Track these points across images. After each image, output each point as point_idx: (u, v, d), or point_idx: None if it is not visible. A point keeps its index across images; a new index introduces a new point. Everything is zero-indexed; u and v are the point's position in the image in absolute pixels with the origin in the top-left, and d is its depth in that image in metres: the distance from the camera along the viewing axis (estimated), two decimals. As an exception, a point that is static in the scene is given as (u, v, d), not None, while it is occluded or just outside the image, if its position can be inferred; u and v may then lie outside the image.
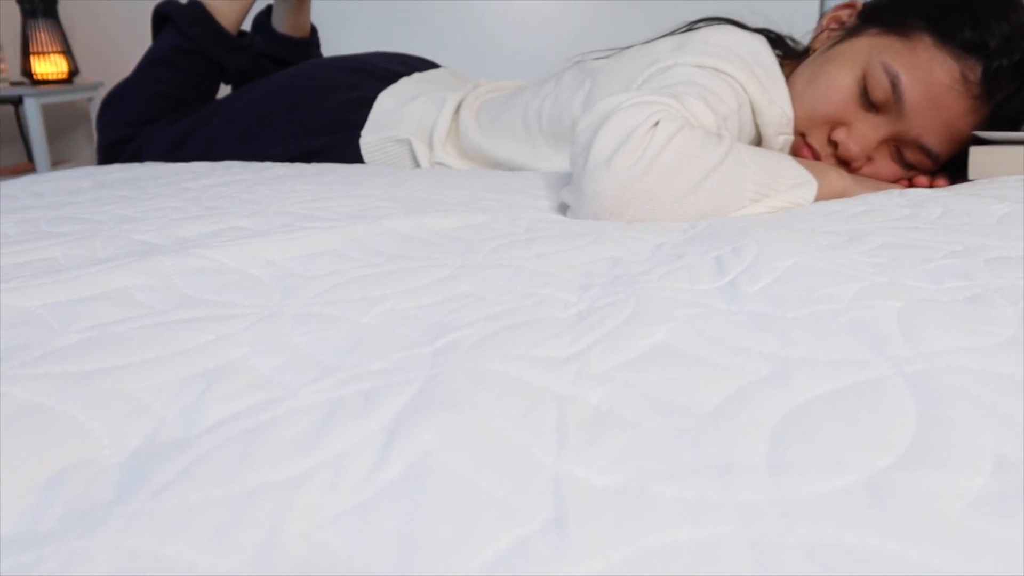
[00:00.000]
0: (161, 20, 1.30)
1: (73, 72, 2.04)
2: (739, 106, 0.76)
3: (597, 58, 0.98)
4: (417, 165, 1.06)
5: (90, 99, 2.11)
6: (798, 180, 0.65)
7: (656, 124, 0.60)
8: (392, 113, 1.09)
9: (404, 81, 1.16)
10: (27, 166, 2.04)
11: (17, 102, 2.12)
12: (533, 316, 0.34)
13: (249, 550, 0.19)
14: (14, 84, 2.06)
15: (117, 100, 1.26)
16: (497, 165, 1.01)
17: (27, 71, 2.01)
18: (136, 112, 1.24)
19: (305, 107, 1.15)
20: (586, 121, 0.67)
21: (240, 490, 0.21)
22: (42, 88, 1.94)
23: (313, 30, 1.48)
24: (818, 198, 0.68)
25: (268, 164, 1.00)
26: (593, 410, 0.25)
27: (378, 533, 0.19)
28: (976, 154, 0.74)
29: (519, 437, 0.23)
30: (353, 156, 1.10)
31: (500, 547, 0.19)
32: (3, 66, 1.95)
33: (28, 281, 0.36)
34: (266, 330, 0.32)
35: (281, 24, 1.44)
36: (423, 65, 1.26)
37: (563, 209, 0.65)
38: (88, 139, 2.27)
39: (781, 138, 0.83)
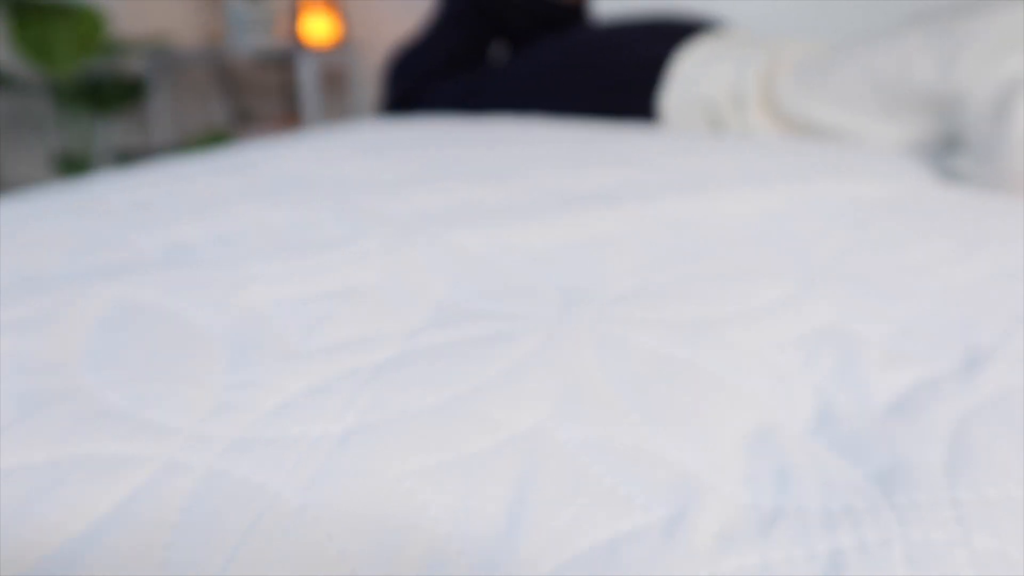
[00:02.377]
0: None
1: (343, 35, 2.17)
2: None
3: (942, 15, 0.89)
4: (721, 128, 1.03)
5: (351, 59, 2.24)
6: None
7: None
8: (693, 71, 1.06)
9: (700, 41, 1.12)
10: (291, 121, 2.20)
11: (287, 61, 2.30)
12: None
13: None
14: (288, 42, 2.22)
15: (410, 56, 1.32)
16: (819, 131, 0.95)
17: (297, 33, 2.16)
18: (425, 68, 1.30)
19: (599, 67, 1.14)
20: (985, 90, 0.62)
21: None
22: (309, 48, 2.08)
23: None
24: None
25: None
26: None
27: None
28: None
29: None
30: (649, 115, 1.09)
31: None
32: (276, 26, 2.10)
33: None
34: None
35: None
36: (714, 23, 1.22)
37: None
38: (350, 96, 2.41)
39: None
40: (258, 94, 2.48)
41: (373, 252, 0.35)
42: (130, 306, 0.29)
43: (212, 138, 1.75)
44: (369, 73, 2.38)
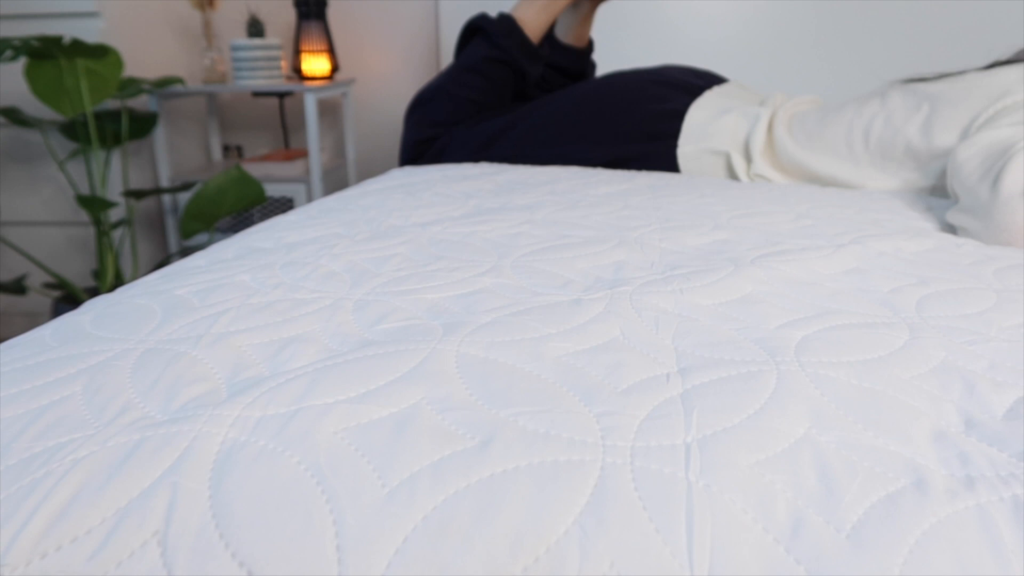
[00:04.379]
0: (470, 32, 1.48)
1: (334, 70, 2.28)
2: None
3: (925, 79, 1.07)
4: (733, 176, 1.18)
5: (344, 94, 2.34)
6: None
7: None
8: (705, 125, 1.22)
9: (708, 95, 1.29)
10: (294, 152, 2.30)
11: (286, 95, 2.39)
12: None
13: None
14: (288, 79, 2.32)
15: (428, 101, 1.44)
16: (815, 180, 1.12)
17: (296, 68, 2.27)
18: (444, 114, 1.42)
19: (620, 116, 1.29)
20: (968, 152, 0.78)
21: None
22: (308, 84, 2.18)
23: (590, 42, 1.62)
24: None
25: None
26: None
27: None
28: None
29: None
30: (667, 165, 1.24)
31: None
32: (283, 63, 2.20)
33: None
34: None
35: (565, 35, 1.59)
36: (713, 78, 1.38)
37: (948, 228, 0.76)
38: (340, 129, 2.51)
39: None
40: (249, 129, 2.56)
41: (607, 309, 0.49)
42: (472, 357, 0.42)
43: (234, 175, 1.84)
44: (358, 106, 2.49)
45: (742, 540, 0.31)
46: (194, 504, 0.33)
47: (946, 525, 0.31)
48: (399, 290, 0.55)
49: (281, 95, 2.37)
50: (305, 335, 0.47)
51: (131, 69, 2.08)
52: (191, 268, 0.63)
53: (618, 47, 2.18)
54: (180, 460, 0.35)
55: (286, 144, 2.49)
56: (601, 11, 2.17)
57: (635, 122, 1.28)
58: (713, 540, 0.30)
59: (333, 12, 2.37)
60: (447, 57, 2.29)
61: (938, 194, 1.00)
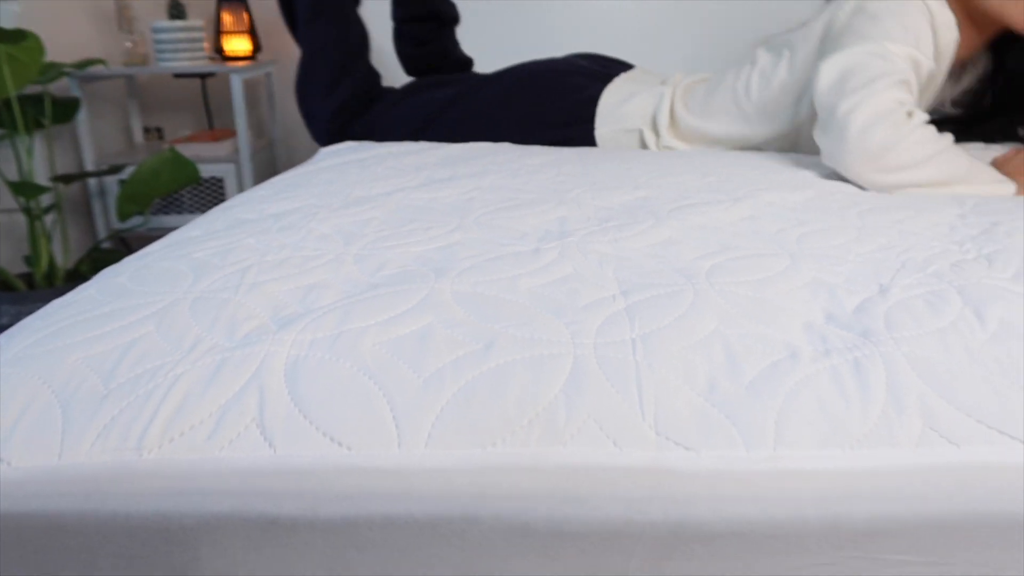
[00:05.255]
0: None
1: (256, 50, 2.32)
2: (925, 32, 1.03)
3: (780, 35, 1.25)
4: (645, 148, 1.34)
5: (267, 74, 2.39)
6: (997, 178, 0.92)
7: (909, 114, 0.88)
8: (616, 108, 1.37)
9: (617, 81, 1.43)
10: (220, 133, 2.34)
11: (209, 76, 2.42)
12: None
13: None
14: (212, 59, 2.35)
15: (306, 76, 1.51)
16: (716, 143, 1.28)
17: (219, 48, 2.30)
18: (326, 78, 1.50)
19: (547, 104, 1.42)
20: (829, 77, 0.97)
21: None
22: (231, 65, 2.22)
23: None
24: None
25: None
26: None
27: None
28: None
29: None
30: (588, 144, 1.38)
31: None
32: (205, 45, 2.23)
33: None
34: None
35: None
36: (618, 64, 1.53)
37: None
38: (260, 109, 2.55)
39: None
40: (173, 111, 2.57)
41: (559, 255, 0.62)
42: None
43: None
44: (280, 87, 2.53)
45: (676, 396, 0.44)
46: (279, 399, 0.44)
47: (811, 377, 0.46)
48: (386, 246, 0.66)
49: (204, 76, 2.39)
50: (322, 282, 0.58)
51: (49, 55, 2.07)
52: (192, 238, 0.73)
53: (523, 40, 2.30)
54: (258, 371, 0.46)
55: (210, 125, 2.52)
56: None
57: (558, 110, 1.41)
58: (656, 398, 0.44)
59: (251, -7, 2.40)
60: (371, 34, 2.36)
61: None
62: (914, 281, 0.57)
